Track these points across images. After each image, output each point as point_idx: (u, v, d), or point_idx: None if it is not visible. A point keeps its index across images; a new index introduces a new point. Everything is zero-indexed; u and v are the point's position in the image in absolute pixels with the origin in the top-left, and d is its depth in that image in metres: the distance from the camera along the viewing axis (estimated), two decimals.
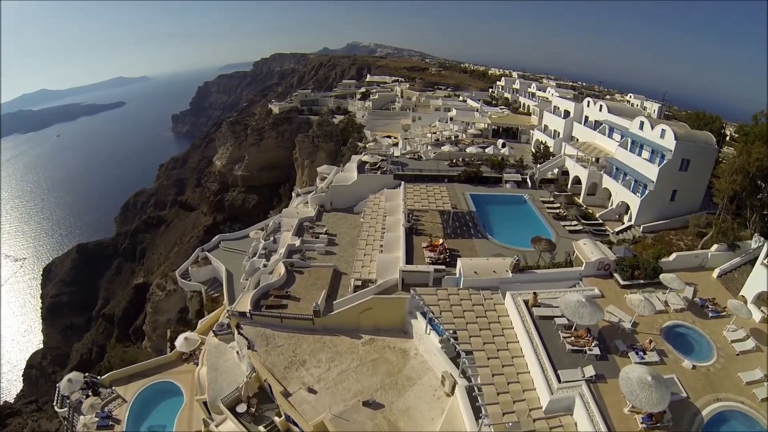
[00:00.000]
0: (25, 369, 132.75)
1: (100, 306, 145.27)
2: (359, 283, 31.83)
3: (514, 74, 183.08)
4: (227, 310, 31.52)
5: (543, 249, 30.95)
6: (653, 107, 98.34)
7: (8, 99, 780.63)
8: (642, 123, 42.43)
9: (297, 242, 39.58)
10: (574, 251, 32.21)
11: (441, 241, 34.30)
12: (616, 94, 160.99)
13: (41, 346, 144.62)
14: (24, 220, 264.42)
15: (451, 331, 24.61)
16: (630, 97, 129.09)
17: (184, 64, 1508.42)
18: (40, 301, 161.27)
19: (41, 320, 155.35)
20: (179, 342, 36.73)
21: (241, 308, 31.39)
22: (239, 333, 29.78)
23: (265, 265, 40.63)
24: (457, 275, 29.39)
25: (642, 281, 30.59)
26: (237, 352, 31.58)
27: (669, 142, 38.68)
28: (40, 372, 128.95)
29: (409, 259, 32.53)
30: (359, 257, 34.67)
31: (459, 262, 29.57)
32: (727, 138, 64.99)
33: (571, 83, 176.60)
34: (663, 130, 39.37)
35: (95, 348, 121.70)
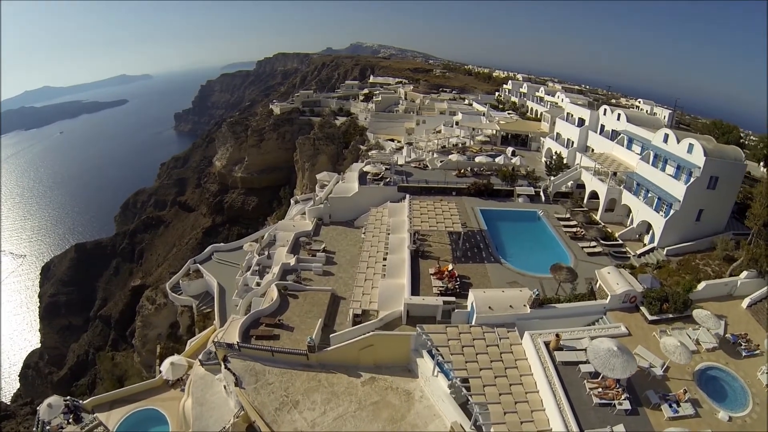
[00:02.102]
0: (21, 369, 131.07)
1: (98, 307, 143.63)
2: (359, 311, 28.94)
3: (519, 76, 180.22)
4: (213, 342, 28.71)
5: (563, 279, 27.96)
6: (663, 113, 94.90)
7: (11, 95, 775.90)
8: (666, 136, 39.29)
9: (292, 261, 36.75)
10: (597, 280, 29.28)
11: (450, 266, 31.26)
12: (621, 98, 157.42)
13: (39, 345, 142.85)
14: (25, 217, 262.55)
15: (462, 379, 21.67)
16: (639, 102, 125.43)
17: (187, 63, 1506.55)
18: (38, 300, 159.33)
19: (39, 319, 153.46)
20: (165, 368, 34.03)
21: (229, 338, 28.61)
22: (226, 368, 26.99)
23: (258, 284, 38.00)
24: (469, 309, 26.40)
25: (671, 315, 27.70)
26: (225, 387, 28.80)
27: (697, 158, 35.58)
28: (37, 372, 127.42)
29: (415, 287, 29.56)
30: (359, 283, 31.56)
31: (471, 294, 26.54)
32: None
33: (577, 87, 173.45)
34: (691, 145, 36.25)
35: (92, 350, 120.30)
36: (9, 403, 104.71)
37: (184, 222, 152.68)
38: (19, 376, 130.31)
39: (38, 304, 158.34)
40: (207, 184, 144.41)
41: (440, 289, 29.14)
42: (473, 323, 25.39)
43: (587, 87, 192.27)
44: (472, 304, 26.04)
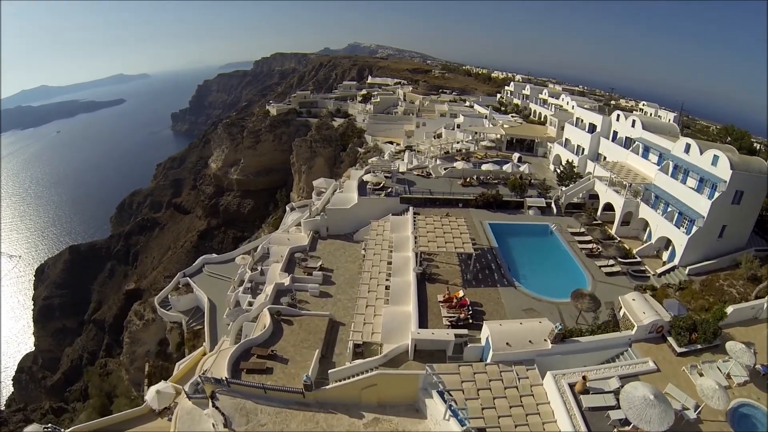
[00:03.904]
0: (15, 373, 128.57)
1: (92, 310, 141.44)
2: (360, 342, 26.36)
3: (518, 77, 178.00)
4: (200, 376, 26.12)
5: (585, 308, 25.46)
6: (668, 117, 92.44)
7: (8, 95, 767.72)
8: (688, 146, 36.82)
9: (286, 280, 34.05)
10: (620, 306, 26.80)
11: (461, 293, 28.62)
12: (621, 100, 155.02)
13: (33, 348, 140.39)
14: (20, 217, 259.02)
15: (478, 429, 19.15)
16: (643, 105, 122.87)
17: (184, 63, 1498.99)
18: (32, 302, 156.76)
19: (33, 323, 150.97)
20: (150, 396, 31.36)
21: (218, 370, 26.03)
22: (214, 406, 24.43)
23: (250, 303, 35.39)
24: (484, 344, 23.83)
25: (699, 346, 25.32)
26: (213, 425, 26.23)
27: (723, 171, 33.18)
28: (30, 377, 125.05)
29: (423, 316, 26.96)
30: (360, 310, 28.77)
31: (486, 328, 23.93)
32: None
33: (577, 88, 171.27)
34: (716, 157, 33.83)
35: (86, 354, 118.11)
36: (2, 409, 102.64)
37: (179, 224, 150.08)
38: (12, 380, 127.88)
39: (32, 306, 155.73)
40: (202, 186, 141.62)
41: (450, 319, 26.57)
42: (489, 360, 22.83)
43: (586, 88, 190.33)
44: (487, 338, 23.43)
